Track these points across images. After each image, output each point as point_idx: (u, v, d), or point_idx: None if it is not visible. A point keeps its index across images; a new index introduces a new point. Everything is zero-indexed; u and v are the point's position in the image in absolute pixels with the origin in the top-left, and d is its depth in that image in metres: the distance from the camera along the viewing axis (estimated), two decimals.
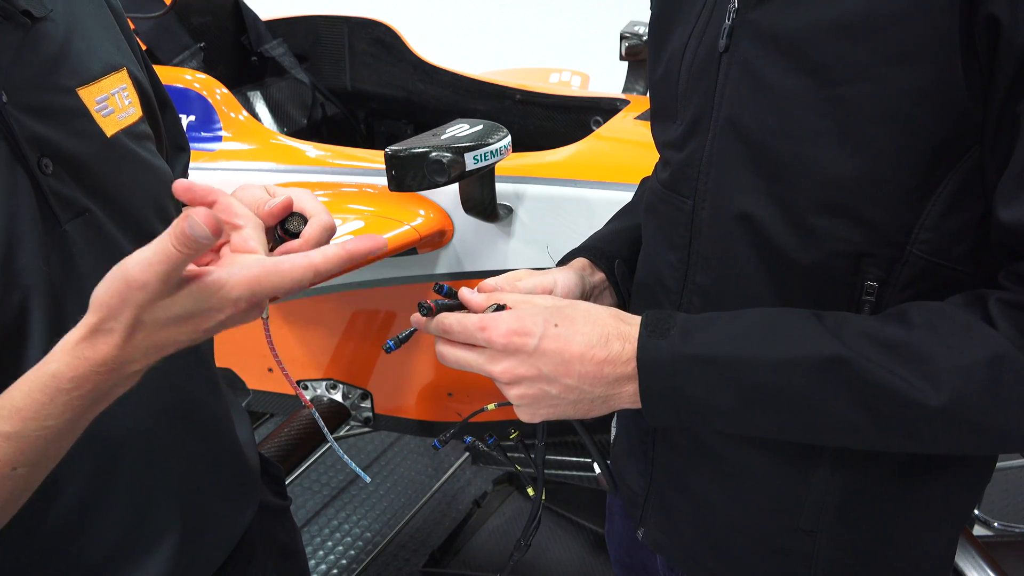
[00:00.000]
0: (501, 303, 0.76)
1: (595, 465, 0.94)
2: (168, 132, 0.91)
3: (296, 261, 0.58)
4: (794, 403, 0.68)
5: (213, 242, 0.54)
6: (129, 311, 0.56)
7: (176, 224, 0.53)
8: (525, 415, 0.76)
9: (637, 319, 0.74)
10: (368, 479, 0.88)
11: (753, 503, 0.82)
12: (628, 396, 0.73)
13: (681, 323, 0.72)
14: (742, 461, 0.81)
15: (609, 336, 0.72)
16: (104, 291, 0.56)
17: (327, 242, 0.70)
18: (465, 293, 0.78)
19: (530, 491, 0.88)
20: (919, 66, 0.62)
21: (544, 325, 0.71)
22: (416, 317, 0.78)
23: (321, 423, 0.81)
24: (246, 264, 0.57)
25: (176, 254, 0.53)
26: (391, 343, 0.78)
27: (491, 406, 0.87)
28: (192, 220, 0.52)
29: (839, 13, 0.64)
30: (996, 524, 2.01)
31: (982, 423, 0.64)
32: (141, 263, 0.54)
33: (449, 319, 0.75)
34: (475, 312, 0.76)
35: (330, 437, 0.84)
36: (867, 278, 0.70)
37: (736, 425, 0.73)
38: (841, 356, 0.65)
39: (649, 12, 0.88)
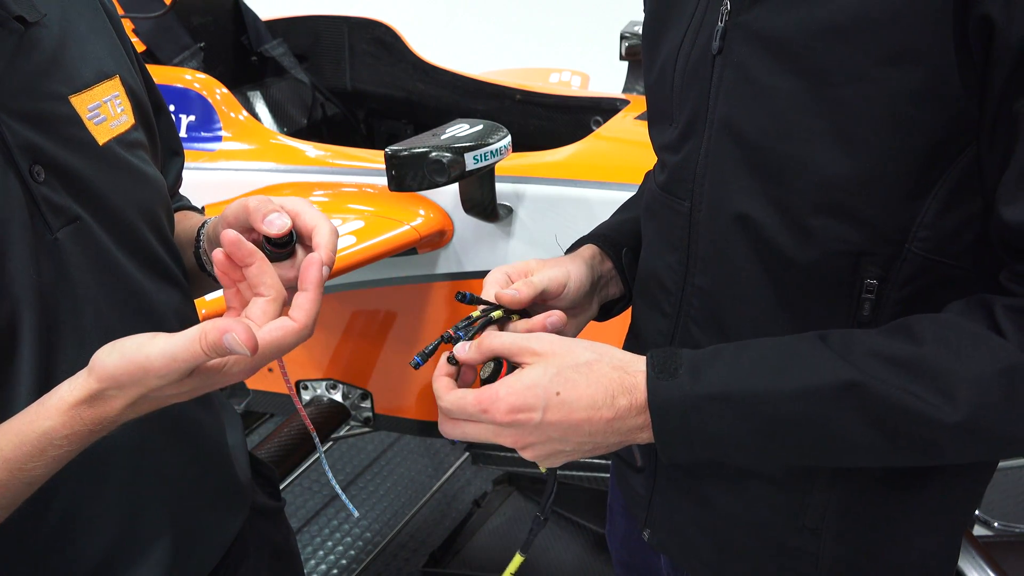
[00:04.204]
0: (498, 357, 0.75)
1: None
2: (162, 136, 0.90)
3: (288, 328, 0.62)
4: (811, 431, 0.67)
5: (248, 356, 0.57)
6: (138, 389, 0.57)
7: (211, 332, 0.54)
8: (544, 465, 0.76)
9: (641, 366, 0.72)
10: (356, 513, 0.88)
11: (757, 504, 0.82)
12: (644, 438, 0.72)
13: (688, 360, 0.70)
14: (744, 464, 0.81)
15: (615, 393, 0.70)
16: (115, 367, 0.56)
17: (334, 247, 0.72)
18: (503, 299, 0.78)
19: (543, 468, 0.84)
20: (913, 66, 0.62)
21: (545, 397, 0.70)
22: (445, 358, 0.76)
23: (315, 437, 0.81)
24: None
25: (203, 357, 0.55)
26: (418, 359, 0.76)
27: None
28: (232, 338, 0.53)
29: (831, 14, 0.64)
30: (996, 524, 2.01)
31: (998, 434, 0.64)
32: (164, 356, 0.55)
33: (447, 400, 0.73)
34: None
35: (321, 450, 0.84)
36: (866, 276, 0.69)
37: (754, 457, 0.72)
38: (854, 380, 0.64)
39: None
